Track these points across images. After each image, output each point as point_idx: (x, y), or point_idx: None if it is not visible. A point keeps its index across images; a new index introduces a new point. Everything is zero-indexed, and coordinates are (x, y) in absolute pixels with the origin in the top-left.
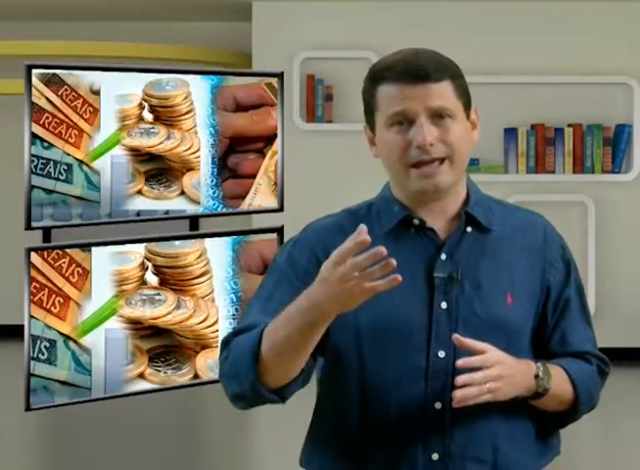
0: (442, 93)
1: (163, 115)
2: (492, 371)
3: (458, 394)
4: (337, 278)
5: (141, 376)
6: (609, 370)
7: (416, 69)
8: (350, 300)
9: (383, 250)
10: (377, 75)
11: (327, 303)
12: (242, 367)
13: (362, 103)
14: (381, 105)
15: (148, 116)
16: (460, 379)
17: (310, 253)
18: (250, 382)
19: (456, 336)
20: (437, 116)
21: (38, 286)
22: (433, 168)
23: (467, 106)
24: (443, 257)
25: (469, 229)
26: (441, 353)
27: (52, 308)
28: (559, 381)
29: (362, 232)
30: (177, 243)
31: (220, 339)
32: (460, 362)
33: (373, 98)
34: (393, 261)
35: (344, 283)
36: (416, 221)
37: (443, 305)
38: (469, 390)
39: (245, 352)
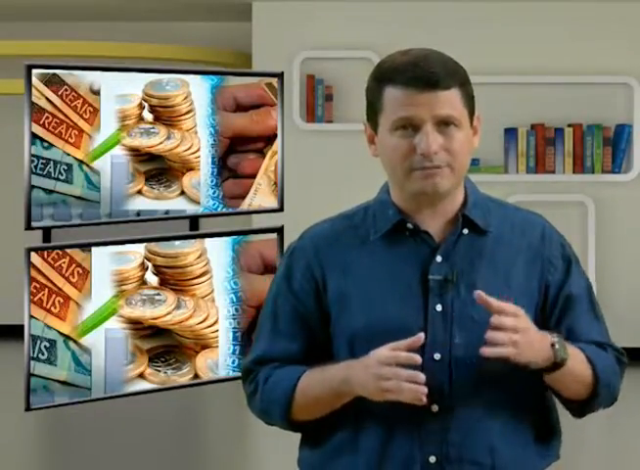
0: (451, 101)
1: (163, 115)
2: (518, 321)
3: (488, 335)
4: (374, 375)
5: (141, 376)
6: (626, 360)
7: (427, 75)
8: (374, 393)
9: (422, 377)
10: (384, 76)
11: (356, 384)
12: (273, 414)
13: (364, 100)
14: (386, 107)
15: (148, 116)
16: (492, 321)
17: (305, 266)
18: (282, 427)
19: (478, 292)
20: (443, 123)
21: (38, 286)
22: (434, 172)
23: (471, 112)
24: (439, 259)
25: (465, 231)
26: (437, 356)
27: (52, 308)
28: (576, 359)
29: (418, 340)
30: (177, 243)
31: (220, 339)
32: (478, 293)
33: (378, 99)
34: (425, 389)
35: (378, 380)
36: (410, 225)
37: (438, 307)
38: (498, 334)
39: (276, 404)
